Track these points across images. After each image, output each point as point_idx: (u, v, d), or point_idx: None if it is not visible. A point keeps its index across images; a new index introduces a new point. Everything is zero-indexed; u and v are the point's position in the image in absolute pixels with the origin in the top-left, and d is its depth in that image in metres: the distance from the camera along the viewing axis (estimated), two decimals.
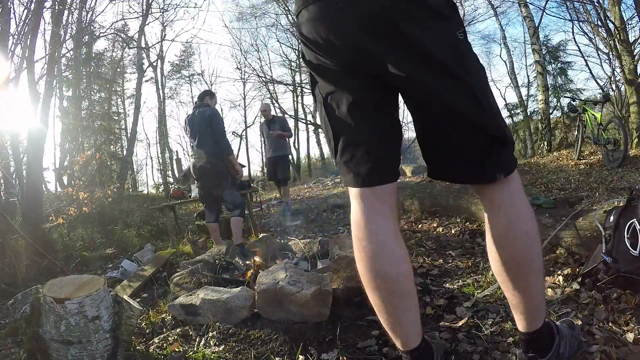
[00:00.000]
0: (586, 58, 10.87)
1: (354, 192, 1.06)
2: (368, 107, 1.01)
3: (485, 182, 0.99)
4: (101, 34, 11.18)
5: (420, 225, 3.43)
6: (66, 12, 7.90)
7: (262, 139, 5.96)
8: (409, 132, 18.17)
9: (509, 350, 1.30)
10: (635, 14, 7.24)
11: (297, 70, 19.66)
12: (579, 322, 1.39)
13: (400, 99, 1.05)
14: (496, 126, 0.94)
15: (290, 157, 6.31)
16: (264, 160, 6.05)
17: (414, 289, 1.05)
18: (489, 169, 0.96)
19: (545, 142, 8.84)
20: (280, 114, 5.64)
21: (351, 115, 1.00)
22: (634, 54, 6.90)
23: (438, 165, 1.03)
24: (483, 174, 0.98)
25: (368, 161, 1.01)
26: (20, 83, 5.07)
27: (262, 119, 5.99)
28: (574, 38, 17.07)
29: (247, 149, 20.79)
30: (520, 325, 1.09)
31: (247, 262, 2.36)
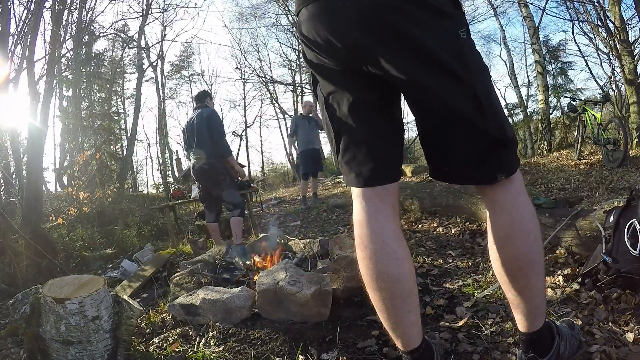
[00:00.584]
0: (586, 58, 10.90)
1: (356, 192, 1.06)
2: (369, 106, 1.00)
3: (487, 183, 0.99)
4: (101, 34, 11.19)
5: (420, 225, 3.43)
6: (66, 12, 7.91)
7: (292, 131, 6.17)
8: (409, 132, 18.19)
9: (509, 350, 1.30)
10: (635, 14, 7.24)
11: (297, 70, 19.67)
12: (579, 322, 1.39)
13: (402, 98, 1.05)
14: (498, 127, 0.93)
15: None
16: (296, 152, 6.17)
17: (415, 290, 1.04)
18: (490, 170, 0.96)
19: (545, 142, 8.84)
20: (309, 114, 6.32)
21: (352, 115, 1.00)
22: (634, 54, 6.90)
23: (439, 165, 1.03)
24: (484, 174, 0.97)
25: (369, 161, 1.01)
26: (20, 83, 5.08)
27: (300, 113, 6.41)
28: (574, 38, 17.12)
29: (247, 149, 20.80)
30: (521, 326, 1.09)
31: (247, 262, 2.36)
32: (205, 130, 3.53)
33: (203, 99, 3.82)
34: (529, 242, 0.99)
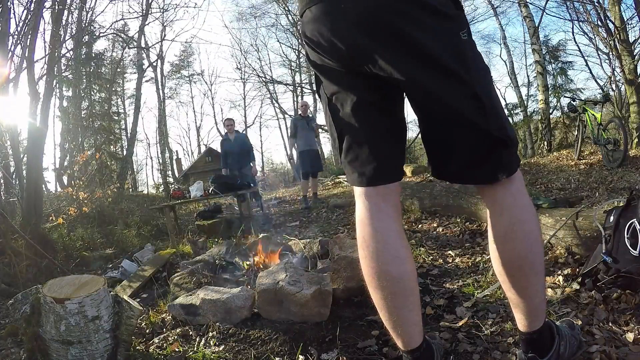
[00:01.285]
0: (586, 58, 10.94)
1: (358, 192, 1.06)
2: (372, 107, 1.01)
3: (487, 183, 0.99)
4: (101, 34, 11.19)
5: (420, 225, 3.42)
6: (66, 12, 7.90)
7: (292, 132, 6.29)
8: (409, 132, 18.18)
9: (509, 350, 1.30)
10: (635, 14, 7.24)
11: (297, 70, 19.68)
12: (579, 322, 1.39)
13: (405, 98, 1.05)
14: (499, 127, 0.94)
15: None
16: (296, 153, 6.28)
17: (417, 289, 1.05)
18: (490, 169, 0.96)
19: (545, 142, 8.84)
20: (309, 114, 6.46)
21: (355, 116, 1.01)
22: (634, 54, 6.91)
23: (440, 164, 1.03)
24: (485, 174, 0.98)
25: (372, 161, 1.01)
26: (20, 83, 5.07)
27: (298, 114, 6.46)
28: (574, 38, 17.15)
29: None
30: (521, 325, 1.09)
31: (247, 262, 2.36)
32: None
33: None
34: (529, 242, 0.99)
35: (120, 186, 8.80)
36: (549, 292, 1.69)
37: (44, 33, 5.52)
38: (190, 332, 1.68)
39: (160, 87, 17.10)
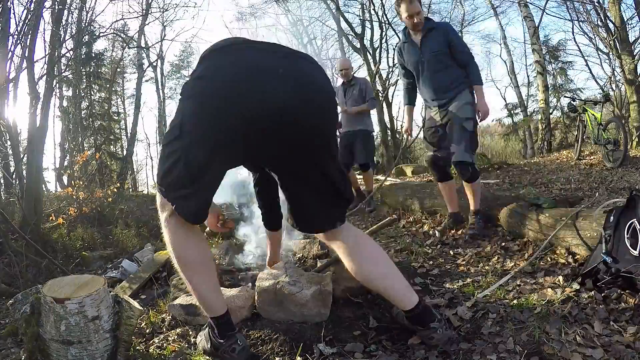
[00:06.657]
0: (586, 58, 10.91)
1: None
2: None
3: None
4: (101, 34, 11.16)
5: (420, 226, 3.42)
6: (66, 12, 7.89)
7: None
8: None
9: (509, 350, 1.30)
10: (635, 14, 7.25)
11: None
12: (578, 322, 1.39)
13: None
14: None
15: (372, 134, 4.56)
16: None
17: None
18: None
19: (545, 142, 8.85)
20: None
21: None
22: (634, 54, 6.91)
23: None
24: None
25: None
26: (20, 83, 5.08)
27: (340, 81, 4.59)
28: (574, 38, 17.02)
29: None
30: (401, 306, 1.42)
31: (248, 262, 2.36)
32: None
33: None
34: (386, 257, 1.46)
35: (120, 186, 8.77)
36: (549, 292, 1.69)
37: (44, 33, 5.52)
38: (190, 332, 1.68)
39: (160, 87, 17.08)
